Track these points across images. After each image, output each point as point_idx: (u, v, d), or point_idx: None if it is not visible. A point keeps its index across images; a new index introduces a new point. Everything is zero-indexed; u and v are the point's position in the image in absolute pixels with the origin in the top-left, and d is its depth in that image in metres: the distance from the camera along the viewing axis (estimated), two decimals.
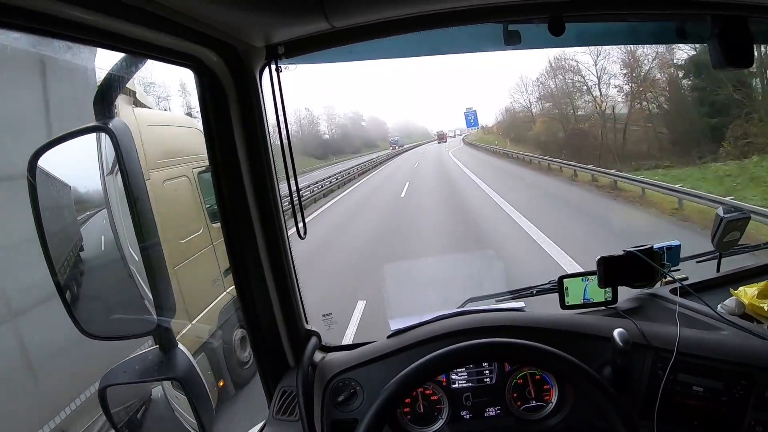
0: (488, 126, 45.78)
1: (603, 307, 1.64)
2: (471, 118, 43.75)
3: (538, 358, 1.15)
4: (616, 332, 1.31)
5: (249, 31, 1.22)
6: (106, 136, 1.03)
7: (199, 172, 4.94)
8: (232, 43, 1.24)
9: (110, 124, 1.03)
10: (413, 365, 1.13)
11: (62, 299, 1.05)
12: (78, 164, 1.16)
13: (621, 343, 1.29)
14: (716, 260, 1.81)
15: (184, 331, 4.30)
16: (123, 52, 1.05)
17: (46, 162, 1.04)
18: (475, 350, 1.16)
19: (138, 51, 1.04)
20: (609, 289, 1.62)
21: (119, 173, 1.02)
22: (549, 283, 1.72)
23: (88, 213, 1.17)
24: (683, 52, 20.55)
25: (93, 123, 1.07)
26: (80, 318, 1.07)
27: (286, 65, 1.35)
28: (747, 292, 1.49)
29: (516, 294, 1.79)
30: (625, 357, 1.32)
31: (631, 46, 22.54)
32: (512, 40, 1.39)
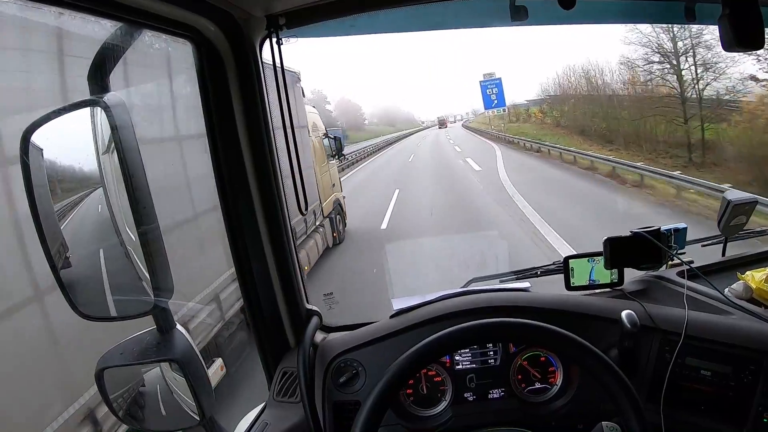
0: (521, 106, 27.55)
1: (609, 289, 1.62)
2: (492, 92, 22.34)
3: (545, 339, 1.13)
4: (624, 314, 1.29)
5: None
6: (101, 111, 1.00)
7: (319, 137, 8.94)
8: (231, 11, 1.20)
9: (105, 98, 1.00)
10: (416, 346, 1.10)
11: (57, 281, 1.02)
12: (73, 141, 1.12)
13: (629, 325, 1.27)
14: (721, 244, 1.79)
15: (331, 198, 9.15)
16: (118, 20, 1.01)
17: (39, 139, 1.01)
18: (479, 330, 1.14)
19: (133, 19, 1.01)
20: (615, 271, 1.60)
21: (115, 150, 0.99)
22: (554, 263, 1.71)
23: (83, 192, 1.14)
24: None
25: (87, 97, 1.04)
26: (76, 300, 1.05)
27: (286, 38, 1.32)
28: (755, 277, 1.46)
29: (520, 274, 1.78)
30: (633, 339, 1.30)
31: None
32: (519, 16, 1.36)
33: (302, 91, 8.93)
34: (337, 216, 9.19)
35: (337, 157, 10.11)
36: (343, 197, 9.88)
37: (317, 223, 8.02)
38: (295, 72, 8.01)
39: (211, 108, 1.31)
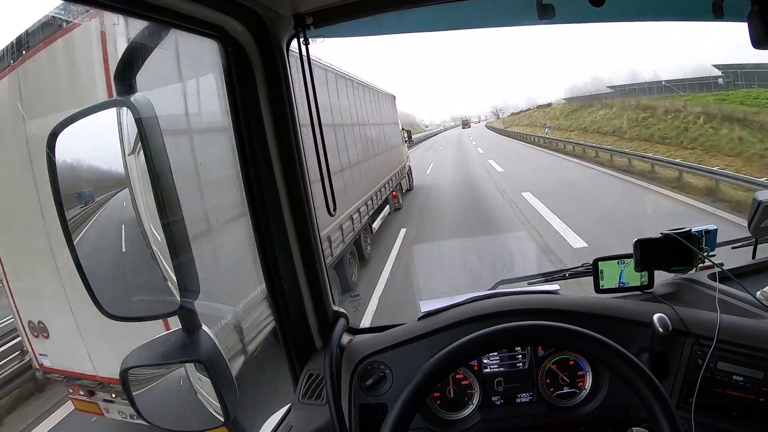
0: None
1: (639, 292, 1.58)
2: None
3: (576, 342, 1.11)
4: (656, 317, 1.26)
5: None
6: (127, 112, 1.00)
7: (401, 129, 15.25)
8: (258, 11, 1.20)
9: (132, 98, 1.00)
10: (445, 350, 1.08)
11: (83, 280, 1.03)
12: (99, 141, 1.13)
13: (661, 329, 1.24)
14: (752, 246, 1.75)
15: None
16: (145, 19, 1.01)
17: (66, 138, 1.01)
18: (509, 334, 1.11)
19: (160, 19, 1.00)
20: (645, 273, 1.56)
21: (141, 151, 0.99)
22: (583, 265, 1.67)
23: (110, 192, 1.15)
24: None
25: (114, 98, 1.04)
26: (102, 299, 1.05)
27: (313, 38, 1.31)
28: None
29: (549, 276, 1.75)
30: (664, 343, 1.27)
31: None
32: (546, 14, 1.34)
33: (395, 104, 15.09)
34: (410, 174, 15.71)
35: (408, 141, 16.85)
36: (411, 165, 16.28)
37: (405, 173, 14.75)
38: (393, 95, 14.75)
39: (238, 107, 1.30)
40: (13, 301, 4.80)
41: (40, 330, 4.71)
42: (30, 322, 4.76)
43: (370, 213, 9.43)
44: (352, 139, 8.89)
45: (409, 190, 15.39)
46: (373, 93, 11.54)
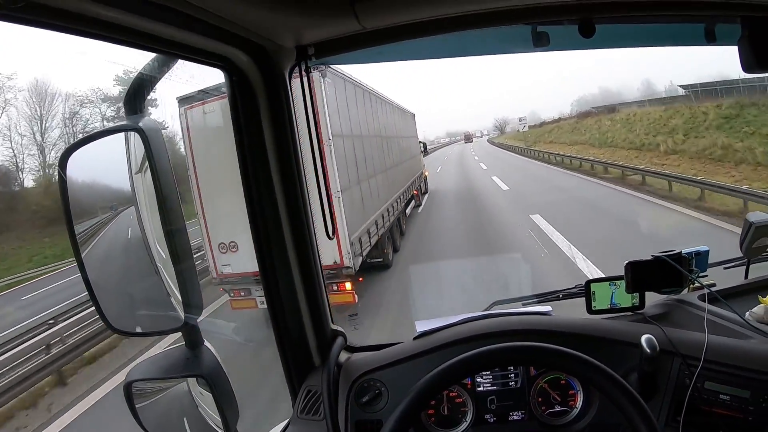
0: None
1: (630, 313, 1.61)
2: None
3: (565, 363, 1.14)
4: (643, 338, 1.29)
5: (279, 31, 1.22)
6: (135, 135, 1.04)
7: (420, 142, 19.86)
8: (262, 43, 1.24)
9: (140, 123, 1.04)
10: (439, 368, 1.11)
11: (90, 295, 1.06)
12: (107, 162, 1.17)
13: (648, 350, 1.27)
14: (744, 267, 1.77)
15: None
16: (154, 51, 1.06)
17: (77, 160, 1.05)
18: (501, 354, 1.15)
19: (169, 51, 1.05)
20: (636, 295, 1.59)
21: (148, 172, 1.03)
22: (576, 287, 1.70)
23: (116, 210, 1.18)
24: None
25: (124, 122, 1.08)
26: (108, 314, 1.09)
27: (315, 66, 1.36)
28: None
29: (542, 297, 1.77)
30: (653, 364, 1.30)
31: None
32: (541, 42, 1.38)
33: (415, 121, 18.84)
34: (426, 180, 19.65)
35: (423, 152, 20.44)
36: (427, 173, 20.44)
37: (423, 179, 18.55)
38: (413, 113, 18.38)
39: (242, 133, 1.35)
40: (207, 230, 7.27)
41: (230, 247, 7.14)
42: (221, 243, 7.19)
43: (407, 199, 13.88)
44: (395, 146, 13.38)
45: (426, 192, 19.42)
46: (402, 112, 15.99)
